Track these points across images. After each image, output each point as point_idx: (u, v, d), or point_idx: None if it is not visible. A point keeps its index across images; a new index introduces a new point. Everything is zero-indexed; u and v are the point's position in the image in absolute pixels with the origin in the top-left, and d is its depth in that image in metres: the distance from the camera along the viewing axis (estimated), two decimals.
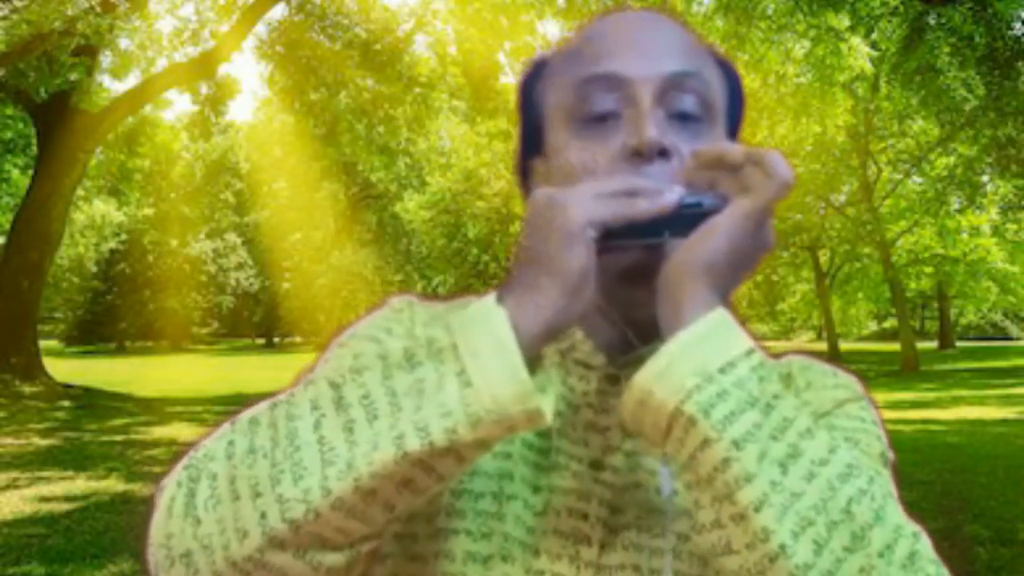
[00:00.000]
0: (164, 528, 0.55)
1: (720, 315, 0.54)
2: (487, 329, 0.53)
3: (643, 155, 0.63)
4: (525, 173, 0.75)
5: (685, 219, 0.57)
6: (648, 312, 0.59)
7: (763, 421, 0.51)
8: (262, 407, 0.58)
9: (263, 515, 0.52)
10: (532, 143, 0.73)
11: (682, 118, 0.66)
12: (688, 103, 0.66)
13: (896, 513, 0.52)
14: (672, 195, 0.57)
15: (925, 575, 0.50)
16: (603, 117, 0.66)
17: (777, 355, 0.75)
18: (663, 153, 0.63)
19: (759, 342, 0.56)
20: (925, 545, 0.52)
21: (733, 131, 0.73)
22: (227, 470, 0.54)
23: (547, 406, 0.54)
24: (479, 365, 0.52)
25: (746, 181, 0.57)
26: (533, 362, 0.55)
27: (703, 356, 0.52)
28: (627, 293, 0.64)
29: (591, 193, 0.57)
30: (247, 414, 0.58)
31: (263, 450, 0.53)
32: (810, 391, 0.71)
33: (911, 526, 0.53)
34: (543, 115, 0.72)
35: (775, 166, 0.56)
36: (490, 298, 0.55)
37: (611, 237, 0.56)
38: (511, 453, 0.66)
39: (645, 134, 0.63)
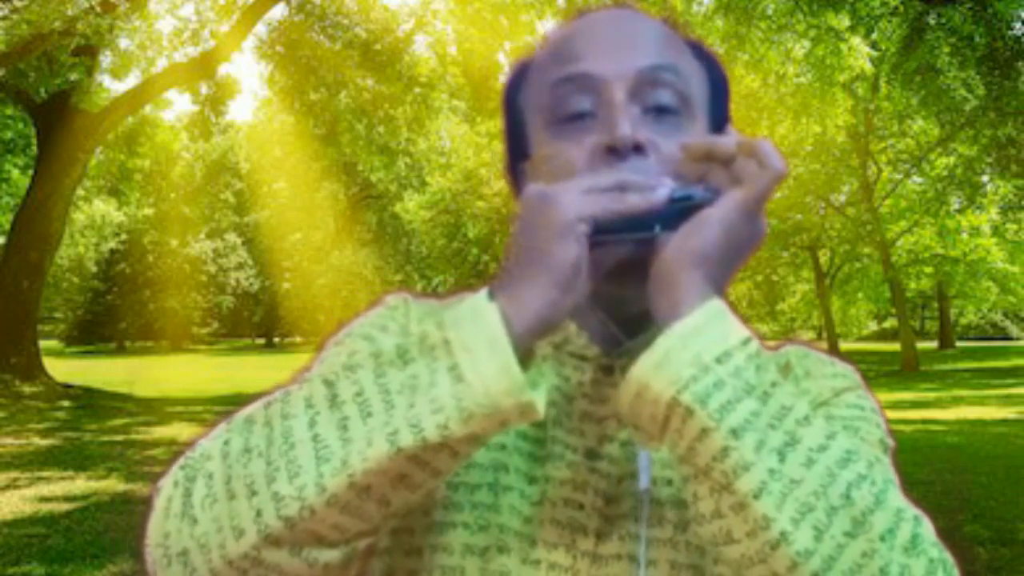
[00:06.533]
0: (161, 527, 0.55)
1: (715, 305, 0.54)
2: (479, 324, 0.53)
3: (618, 152, 0.63)
4: (516, 177, 0.75)
5: (675, 213, 0.57)
6: (640, 307, 0.59)
7: (760, 409, 0.52)
8: (257, 406, 0.58)
9: (259, 513, 0.52)
10: (519, 146, 0.74)
11: (659, 112, 0.66)
12: (664, 97, 0.66)
13: (897, 497, 0.52)
14: (663, 189, 0.57)
15: (928, 558, 0.50)
16: (579, 116, 0.66)
17: (775, 346, 0.75)
18: (638, 149, 0.63)
19: (757, 336, 0.56)
20: (927, 528, 0.52)
21: (718, 124, 0.72)
22: (223, 469, 0.54)
23: (539, 400, 0.54)
24: (471, 360, 0.52)
25: (739, 172, 0.57)
26: (525, 357, 0.55)
27: (699, 346, 0.52)
28: (618, 288, 0.63)
29: (581, 188, 0.57)
30: (242, 413, 0.58)
31: (258, 448, 0.53)
32: (809, 380, 0.71)
33: (912, 510, 0.52)
34: (525, 118, 0.72)
35: (768, 156, 0.56)
36: (482, 293, 0.55)
37: (601, 232, 0.56)
38: (506, 444, 0.67)
39: (618, 131, 0.63)
